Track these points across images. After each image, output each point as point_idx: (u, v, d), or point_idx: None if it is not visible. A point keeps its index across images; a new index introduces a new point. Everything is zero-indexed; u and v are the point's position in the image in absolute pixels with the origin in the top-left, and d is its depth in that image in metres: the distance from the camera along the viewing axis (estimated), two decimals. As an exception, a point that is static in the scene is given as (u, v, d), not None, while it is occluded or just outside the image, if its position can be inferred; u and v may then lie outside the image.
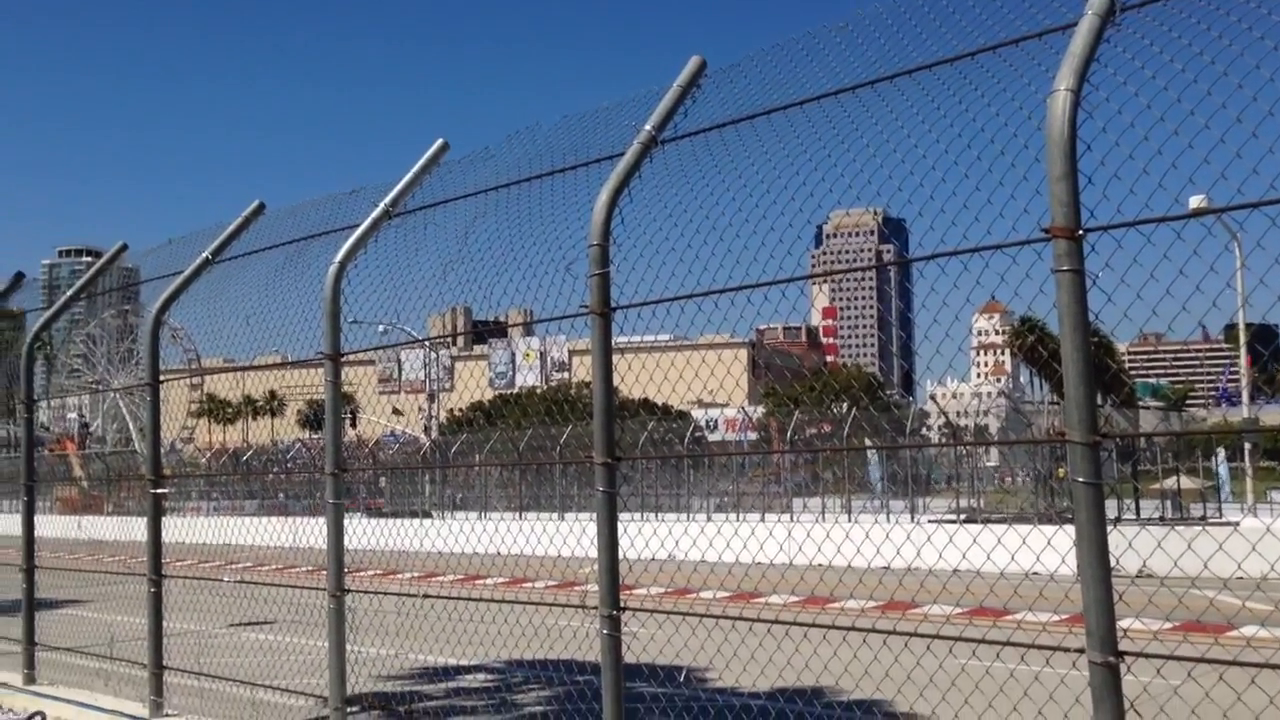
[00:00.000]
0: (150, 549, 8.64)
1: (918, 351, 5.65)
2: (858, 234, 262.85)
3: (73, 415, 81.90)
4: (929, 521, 23.98)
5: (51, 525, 12.29)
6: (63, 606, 12.43)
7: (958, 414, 39.19)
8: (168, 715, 8.31)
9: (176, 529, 9.37)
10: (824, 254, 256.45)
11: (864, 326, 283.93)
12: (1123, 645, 3.78)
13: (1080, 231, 3.92)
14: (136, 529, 9.35)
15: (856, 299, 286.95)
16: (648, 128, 5.71)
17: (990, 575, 7.10)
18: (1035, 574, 6.12)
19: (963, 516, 27.57)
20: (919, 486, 33.10)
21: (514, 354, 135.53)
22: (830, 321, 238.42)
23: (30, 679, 9.74)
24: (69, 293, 11.05)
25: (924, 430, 39.42)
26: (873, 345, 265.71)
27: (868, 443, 31.88)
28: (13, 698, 8.85)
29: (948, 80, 4.89)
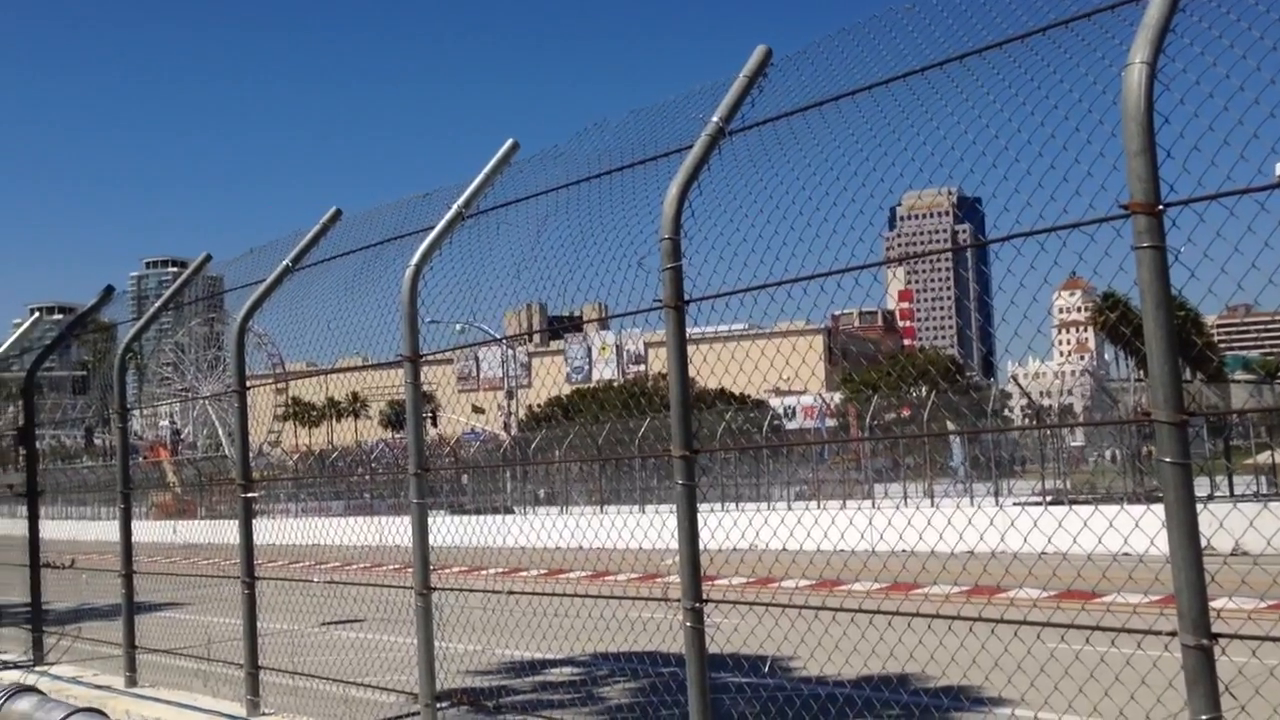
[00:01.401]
0: (243, 552, 8.85)
1: (996, 333, 5.57)
2: (932, 215, 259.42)
3: (165, 423, 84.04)
4: (1013, 504, 23.63)
5: (148, 530, 12.64)
6: (161, 609, 12.80)
7: (1040, 394, 38.50)
8: (264, 714, 8.52)
9: (267, 531, 9.59)
10: (898, 236, 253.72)
11: (941, 309, 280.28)
12: (1216, 627, 3.71)
13: (1160, 206, 3.85)
14: (229, 532, 9.58)
15: (932, 281, 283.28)
16: (715, 119, 5.71)
17: (1077, 558, 6.99)
18: (1124, 556, 6.01)
19: (1048, 499, 27.12)
20: (1002, 469, 32.62)
21: (590, 348, 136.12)
22: (906, 305, 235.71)
23: (132, 681, 10.03)
24: (157, 304, 11.34)
25: (1005, 412, 38.82)
26: (950, 328, 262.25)
27: (949, 427, 31.50)
28: (115, 700, 9.12)
29: (1019, 57, 4.82)
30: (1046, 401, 38.60)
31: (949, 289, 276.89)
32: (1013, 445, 34.91)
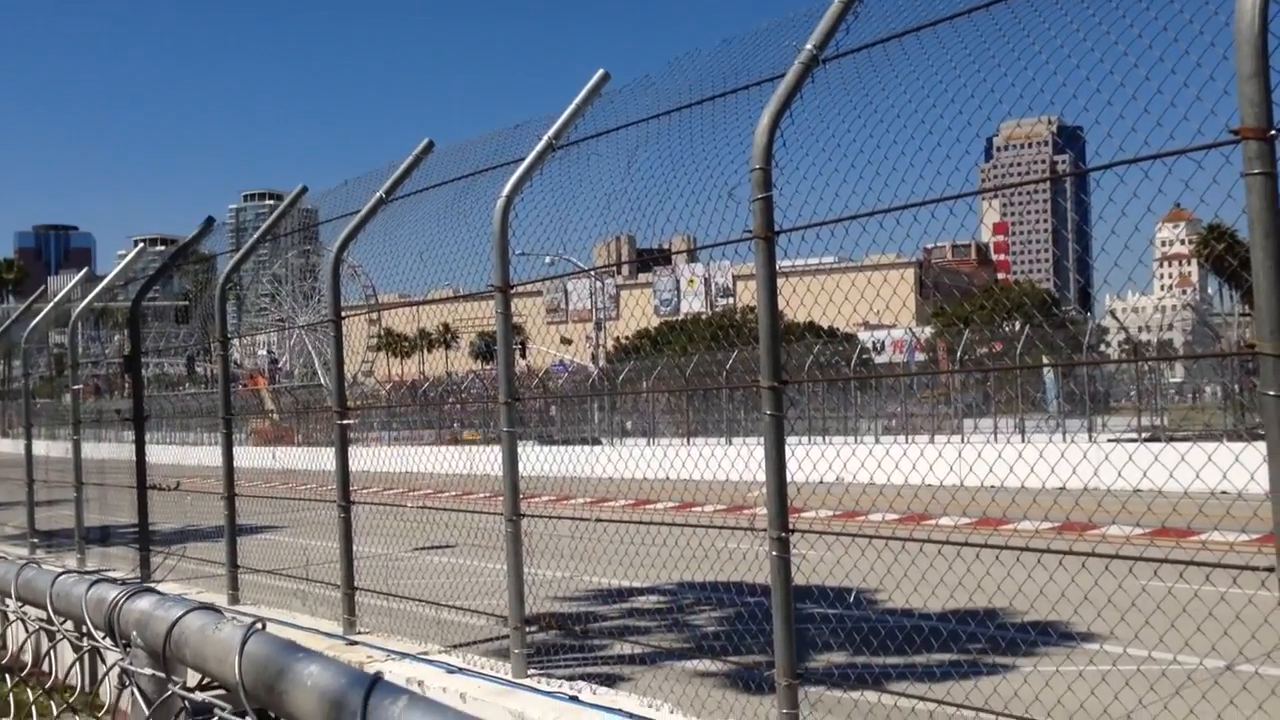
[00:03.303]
0: (339, 477, 9.09)
1: (1095, 265, 5.43)
2: (1030, 145, 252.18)
3: (262, 352, 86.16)
4: (1108, 440, 23.19)
5: (248, 456, 13.04)
6: (261, 532, 13.23)
7: (1139, 329, 37.53)
8: (360, 632, 8.79)
9: (361, 458, 9.82)
10: (994, 168, 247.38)
11: (1038, 241, 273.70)
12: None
13: (1273, 131, 3.71)
14: (325, 459, 9.83)
15: (1029, 213, 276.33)
16: (809, 46, 5.60)
17: (1173, 494, 6.85)
18: (1222, 493, 5.88)
19: (1145, 435, 26.55)
20: (1097, 405, 31.98)
21: (678, 281, 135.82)
22: (1002, 237, 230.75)
23: (234, 599, 10.41)
24: (255, 235, 11.56)
25: (1102, 347, 37.94)
26: (1047, 260, 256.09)
27: (1044, 360, 30.89)
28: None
29: (1128, -23, 4.63)
30: (1145, 336, 37.64)
31: (1046, 220, 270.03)
32: (1109, 381, 34.17)
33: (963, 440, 27.30)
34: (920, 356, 47.82)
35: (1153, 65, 4.47)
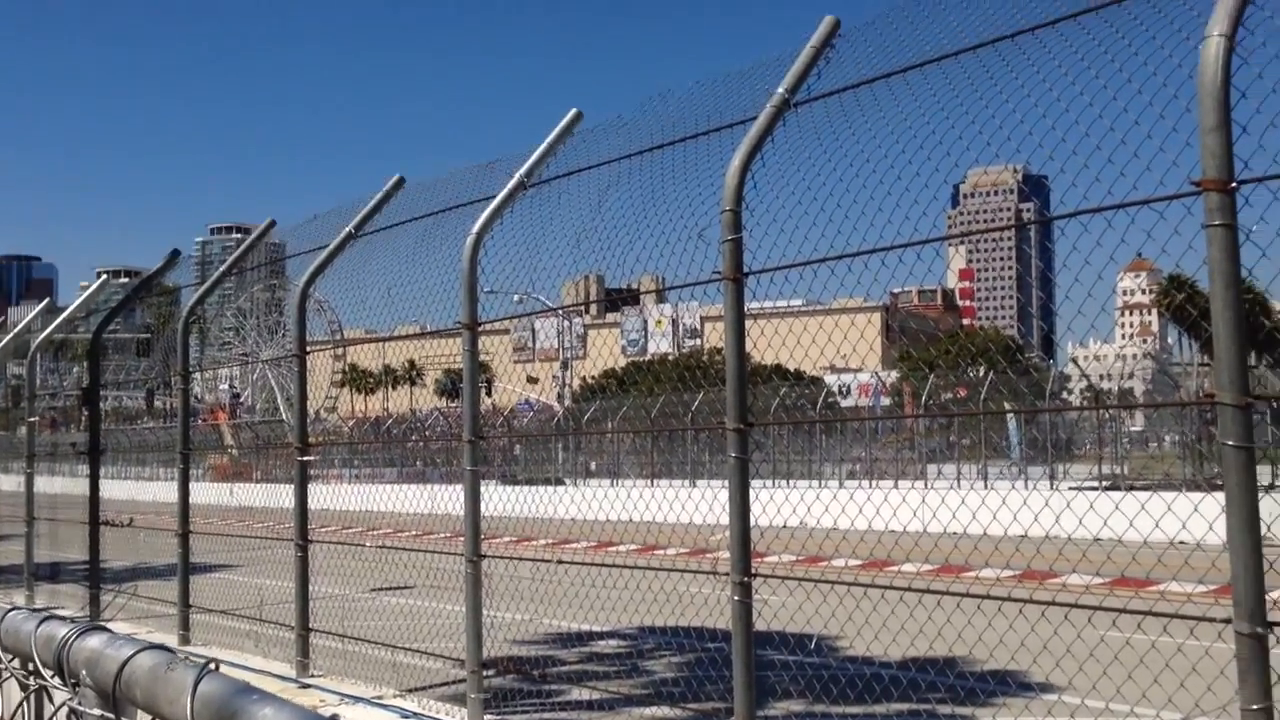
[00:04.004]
0: (297, 515, 8.96)
1: (1058, 312, 5.47)
2: (996, 192, 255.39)
3: (224, 386, 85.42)
4: (1069, 488, 23.34)
5: (204, 492, 12.85)
6: (215, 570, 13.02)
7: (1101, 377, 37.89)
8: (313, 675, 8.63)
9: (321, 496, 9.69)
10: (960, 214, 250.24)
11: (1002, 288, 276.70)
12: (1273, 616, 3.63)
13: (1234, 184, 3.74)
14: (283, 496, 9.70)
15: (994, 259, 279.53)
16: (780, 90, 5.63)
17: (1133, 543, 6.87)
18: (1181, 543, 5.88)
19: (1105, 483, 26.73)
20: (1059, 452, 32.19)
21: (646, 321, 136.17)
22: (967, 283, 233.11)
23: (185, 639, 10.21)
24: (221, 269, 11.46)
25: (1065, 394, 38.28)
26: (1011, 307, 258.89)
27: (1006, 406, 31.11)
28: (172, 656, 9.29)
29: (1093, 30, 4.70)
30: (1106, 384, 38.02)
31: (1011, 267, 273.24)
32: (1070, 428, 34.43)
33: (926, 485, 27.40)
34: (886, 400, 48.08)
35: (1117, 116, 4.52)
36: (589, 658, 11.06)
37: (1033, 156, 5.08)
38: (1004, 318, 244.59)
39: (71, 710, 1.92)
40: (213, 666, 1.50)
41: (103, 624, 1.94)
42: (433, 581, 8.56)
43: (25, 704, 2.39)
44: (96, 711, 1.87)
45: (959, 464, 33.67)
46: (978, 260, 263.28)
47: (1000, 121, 5.12)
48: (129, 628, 10.88)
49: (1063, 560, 6.32)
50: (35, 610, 2.31)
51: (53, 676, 1.98)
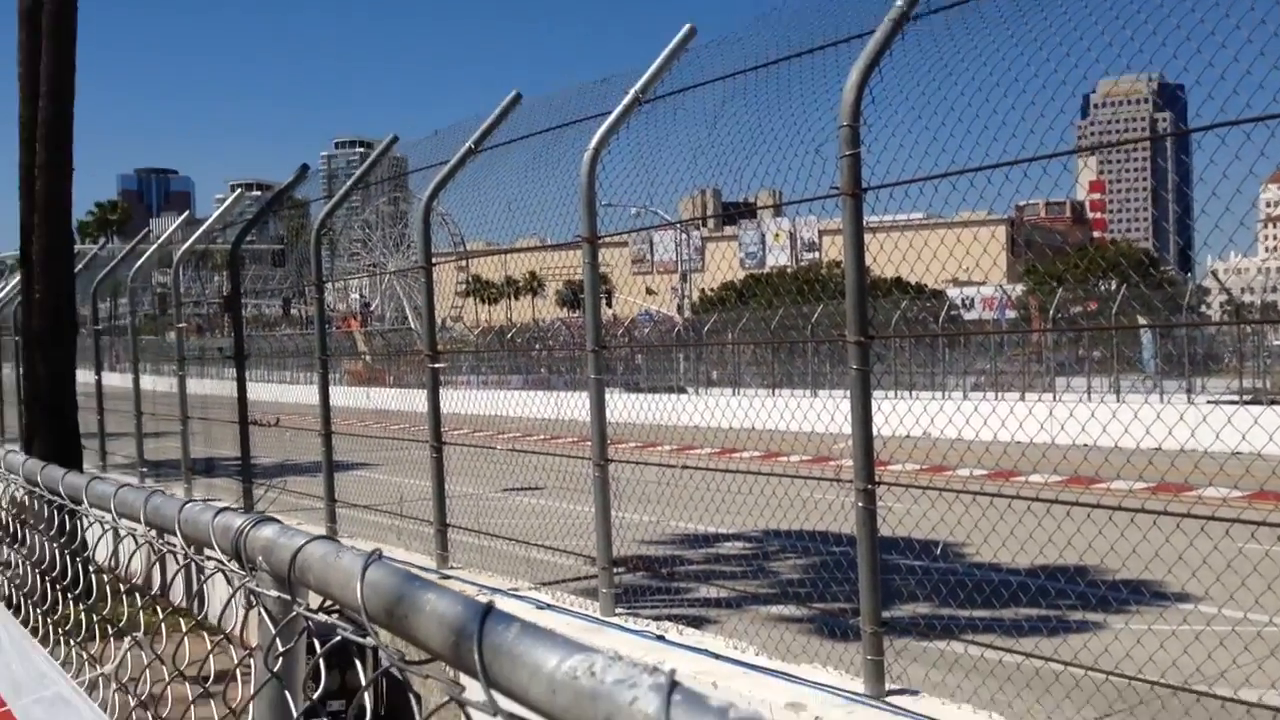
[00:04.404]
0: (431, 418, 9.31)
1: (1195, 226, 5.33)
2: (1129, 102, 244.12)
3: (355, 296, 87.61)
4: (1206, 402, 22.65)
5: (342, 396, 13.37)
6: (356, 469, 13.59)
7: (1241, 290, 36.40)
8: (453, 567, 9.04)
9: (451, 400, 10.03)
10: (1091, 124, 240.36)
11: (1136, 200, 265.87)
12: None
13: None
14: (416, 400, 10.06)
15: (1128, 171, 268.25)
16: (899, 3, 5.54)
17: (1273, 457, 6.72)
18: (1325, 457, 5.76)
19: (1246, 397, 25.86)
20: (1195, 367, 31.18)
21: (764, 234, 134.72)
22: (1098, 196, 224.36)
23: (333, 532, 10.74)
24: (349, 183, 11.79)
25: (1202, 308, 36.93)
26: (1145, 220, 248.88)
27: (1141, 321, 30.16)
28: (317, 549, 9.79)
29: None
30: (1248, 297, 36.53)
31: (1145, 180, 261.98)
32: (1208, 342, 33.28)
33: (1054, 398, 26.88)
34: (1011, 314, 46.98)
35: (1255, 26, 4.37)
36: (715, 558, 11.31)
37: (1168, 67, 4.93)
38: (1137, 231, 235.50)
39: (251, 591, 2.12)
40: (377, 555, 1.66)
41: (273, 516, 2.14)
42: (562, 483, 8.83)
43: (202, 589, 2.61)
44: (273, 592, 2.05)
45: (1089, 377, 32.88)
46: (1109, 173, 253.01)
47: (1132, 32, 4.98)
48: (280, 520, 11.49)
49: (1198, 473, 6.23)
50: (208, 502, 2.54)
51: (230, 560, 2.18)
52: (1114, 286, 33.87)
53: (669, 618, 7.26)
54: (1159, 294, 35.71)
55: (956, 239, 7.57)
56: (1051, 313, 34.67)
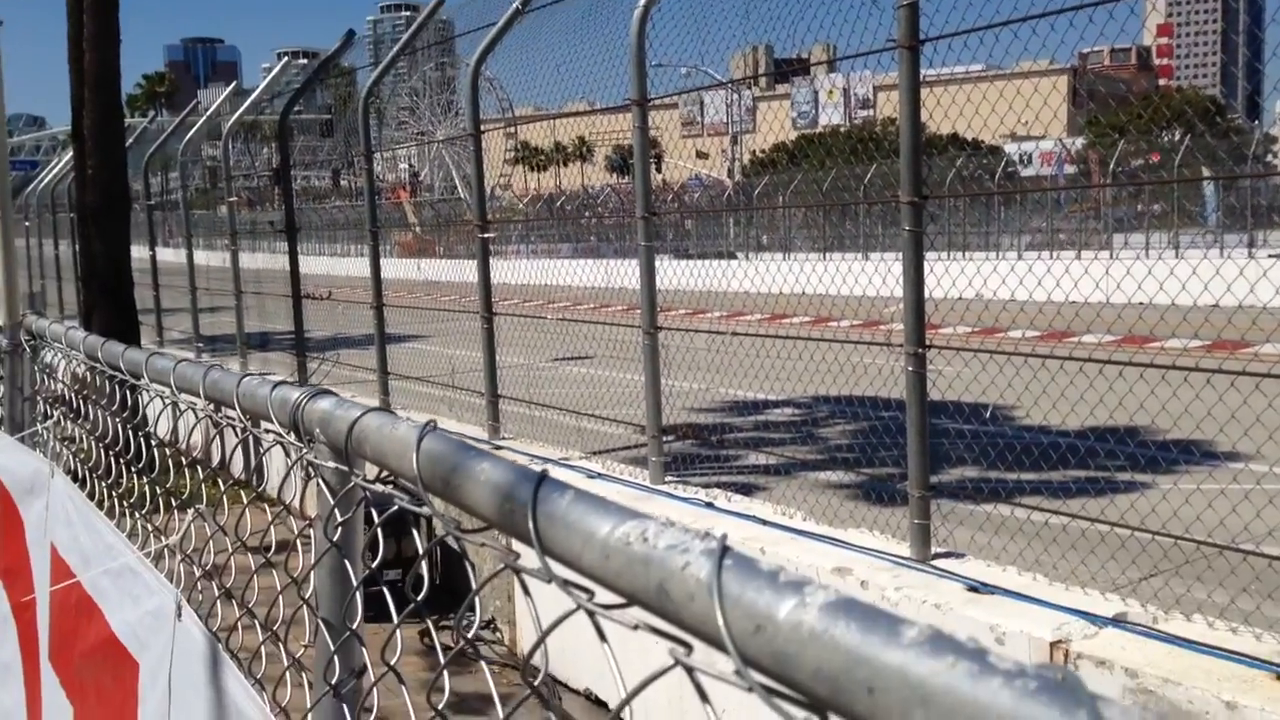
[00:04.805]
0: (481, 289, 9.35)
1: (1265, 71, 5.13)
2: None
3: (404, 165, 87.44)
4: (1268, 256, 22.15)
5: (392, 268, 13.46)
6: (407, 341, 13.76)
7: (1311, 139, 35.15)
8: (504, 438, 9.19)
9: (500, 271, 10.06)
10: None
11: (1205, 44, 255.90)
12: None
13: None
14: (466, 270, 10.10)
15: (1197, 14, 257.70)
16: None
17: (1335, 313, 6.59)
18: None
19: (1309, 252, 25.25)
20: (1259, 219, 30.41)
21: (817, 92, 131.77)
22: (1166, 40, 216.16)
23: (387, 404, 10.94)
24: (394, 49, 11.63)
25: (1270, 158, 35.79)
26: (1214, 66, 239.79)
27: (1204, 172, 29.32)
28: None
29: None
30: (1317, 147, 35.33)
31: (1215, 22, 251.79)
32: (1273, 193, 32.36)
33: (1111, 256, 26.42)
34: (1070, 169, 45.90)
35: None
36: (764, 425, 11.41)
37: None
38: (1205, 78, 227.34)
39: (309, 463, 2.16)
40: (432, 426, 1.68)
41: (329, 389, 2.17)
42: (611, 352, 8.89)
43: (261, 460, 2.67)
44: (331, 464, 2.09)
45: (1148, 233, 32.22)
46: (1179, 15, 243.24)
47: None
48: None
49: (1256, 330, 6.14)
50: (264, 376, 2.58)
51: (288, 433, 2.22)
52: (1178, 137, 32.89)
53: (718, 485, 7.37)
54: (1224, 143, 34.62)
55: (1016, 91, 7.36)
56: (1112, 166, 33.84)
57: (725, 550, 0.86)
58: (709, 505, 6.82)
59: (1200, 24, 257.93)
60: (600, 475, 7.76)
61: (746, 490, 7.77)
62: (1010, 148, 45.51)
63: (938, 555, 5.53)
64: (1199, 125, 32.89)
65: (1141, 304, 7.20)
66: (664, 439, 7.56)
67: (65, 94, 13.57)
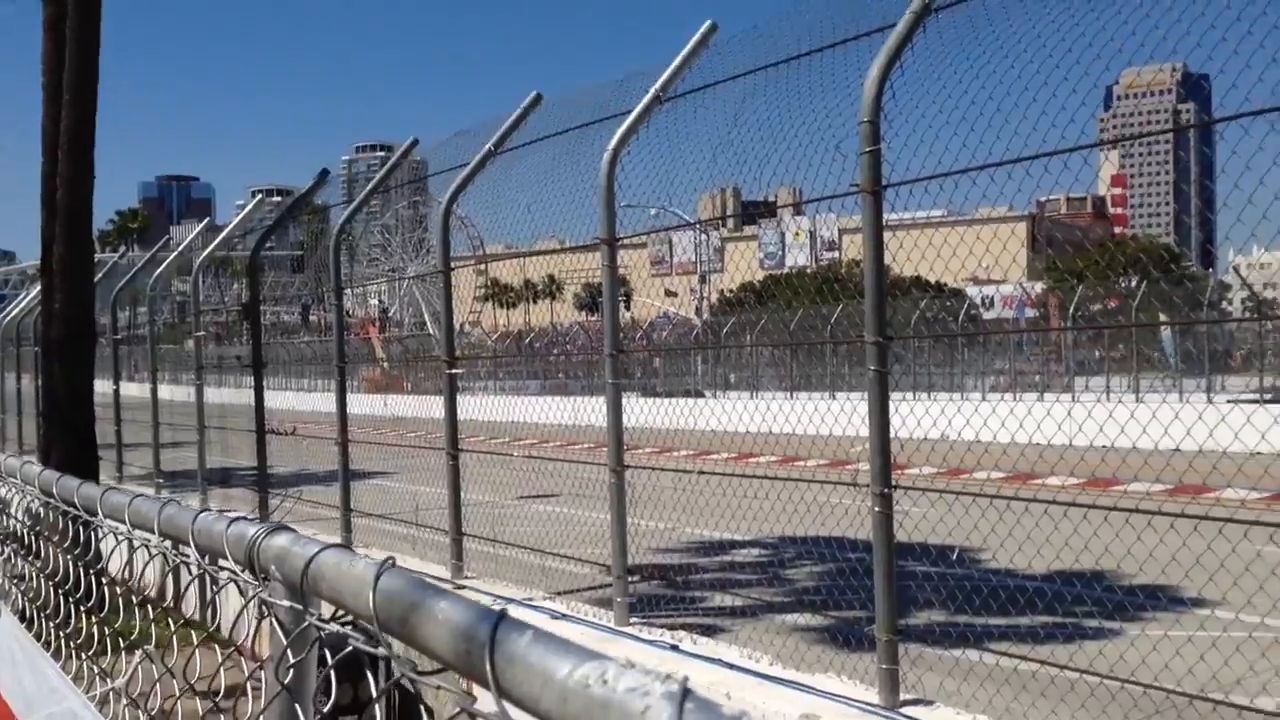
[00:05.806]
0: (448, 425, 9.31)
1: (1217, 220, 5.30)
2: (1152, 93, 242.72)
3: (374, 301, 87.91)
4: (1226, 401, 22.50)
5: (359, 403, 13.41)
6: (372, 478, 13.62)
7: (1264, 286, 36.13)
8: (468, 577, 9.04)
9: (468, 407, 10.04)
10: (1114, 117, 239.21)
11: (1157, 194, 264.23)
12: None
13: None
14: (433, 406, 10.07)
15: (1150, 164, 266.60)
16: (920, -7, 5.51)
17: (1293, 459, 6.67)
18: (1345, 458, 5.70)
19: (1267, 396, 25.68)
20: (1216, 364, 30.98)
21: (783, 234, 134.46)
22: (1120, 190, 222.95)
23: (348, 542, 10.76)
24: (369, 186, 11.82)
25: (1224, 304, 36.67)
26: (1167, 215, 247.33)
27: (1161, 317, 29.97)
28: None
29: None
30: (1270, 293, 36.26)
31: (1167, 173, 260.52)
32: (1229, 339, 33.06)
33: (1073, 399, 26.74)
34: (1031, 312, 46.79)
35: (1281, 14, 4.34)
36: (730, 565, 11.28)
37: (1192, 56, 4.89)
38: (1159, 226, 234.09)
39: (263, 601, 2.12)
40: (391, 563, 1.66)
41: (287, 525, 2.14)
42: (578, 490, 8.83)
43: (214, 599, 2.62)
44: (286, 602, 2.06)
45: (1108, 376, 32.71)
46: (1131, 166, 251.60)
47: (1156, 20, 4.94)
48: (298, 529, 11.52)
49: (1217, 474, 6.19)
50: (222, 512, 2.54)
51: (243, 570, 2.19)
52: (1134, 283, 33.67)
53: (683, 627, 7.24)
54: (1179, 290, 35.48)
55: (976, 236, 7.53)
56: (1071, 310, 34.52)
57: (686, 694, 0.84)
58: (674, 648, 6.69)
59: (1152, 174, 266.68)
60: (564, 616, 7.62)
61: (712, 632, 7.64)
62: (972, 290, 46.42)
63: (906, 702, 5.43)
64: (1154, 272, 33.73)
65: (1104, 447, 7.27)
66: (630, 579, 7.45)
67: (36, 227, 13.61)
